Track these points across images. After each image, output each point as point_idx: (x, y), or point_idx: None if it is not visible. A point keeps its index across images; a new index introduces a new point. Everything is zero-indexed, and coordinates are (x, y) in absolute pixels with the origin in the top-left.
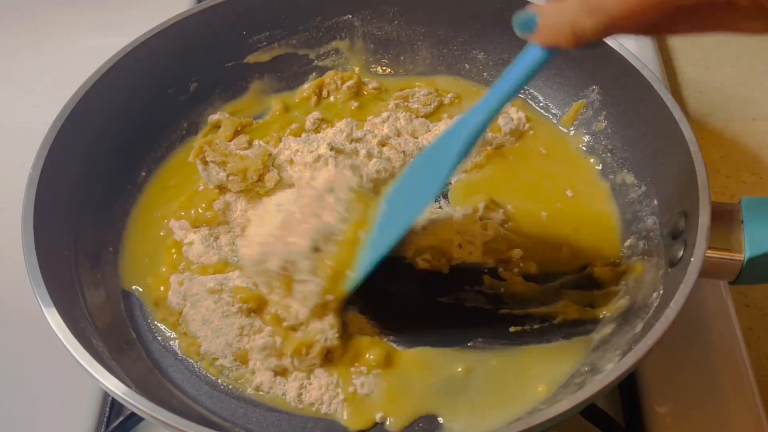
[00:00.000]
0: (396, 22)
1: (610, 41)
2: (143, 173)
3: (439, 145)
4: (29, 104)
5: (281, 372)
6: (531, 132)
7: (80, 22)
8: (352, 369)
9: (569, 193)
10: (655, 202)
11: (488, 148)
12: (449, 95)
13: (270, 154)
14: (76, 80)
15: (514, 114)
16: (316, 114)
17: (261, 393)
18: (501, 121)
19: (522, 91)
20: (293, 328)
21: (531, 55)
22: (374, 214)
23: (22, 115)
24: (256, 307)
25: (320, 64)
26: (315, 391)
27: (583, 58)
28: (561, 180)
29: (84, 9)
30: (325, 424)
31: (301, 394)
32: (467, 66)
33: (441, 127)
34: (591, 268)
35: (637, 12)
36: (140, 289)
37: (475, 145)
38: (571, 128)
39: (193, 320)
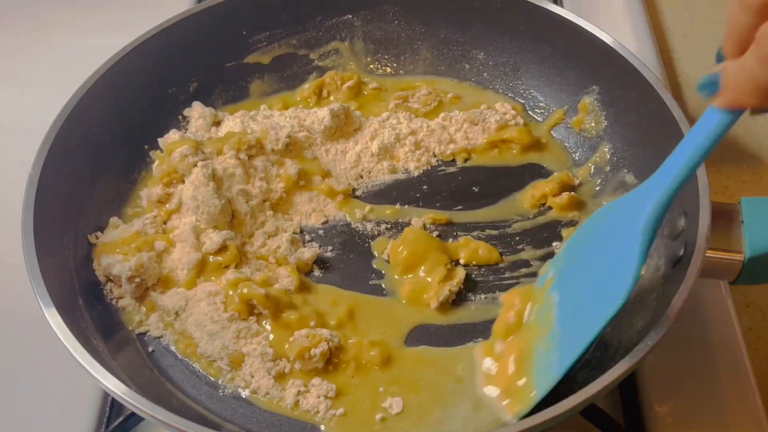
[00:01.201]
0: (396, 22)
1: (609, 41)
2: (143, 173)
3: (616, 224)
4: (29, 104)
5: (279, 377)
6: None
7: (80, 22)
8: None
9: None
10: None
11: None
12: (449, 95)
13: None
14: (76, 80)
15: (500, 107)
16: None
17: (257, 396)
18: (493, 117)
19: (521, 93)
20: (290, 326)
21: (714, 120)
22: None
23: (22, 115)
24: (249, 310)
25: (320, 64)
26: (312, 399)
27: (583, 58)
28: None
29: (84, 9)
30: None
31: (298, 401)
32: (467, 66)
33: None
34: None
35: None
36: None
37: (660, 226)
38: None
39: (188, 322)
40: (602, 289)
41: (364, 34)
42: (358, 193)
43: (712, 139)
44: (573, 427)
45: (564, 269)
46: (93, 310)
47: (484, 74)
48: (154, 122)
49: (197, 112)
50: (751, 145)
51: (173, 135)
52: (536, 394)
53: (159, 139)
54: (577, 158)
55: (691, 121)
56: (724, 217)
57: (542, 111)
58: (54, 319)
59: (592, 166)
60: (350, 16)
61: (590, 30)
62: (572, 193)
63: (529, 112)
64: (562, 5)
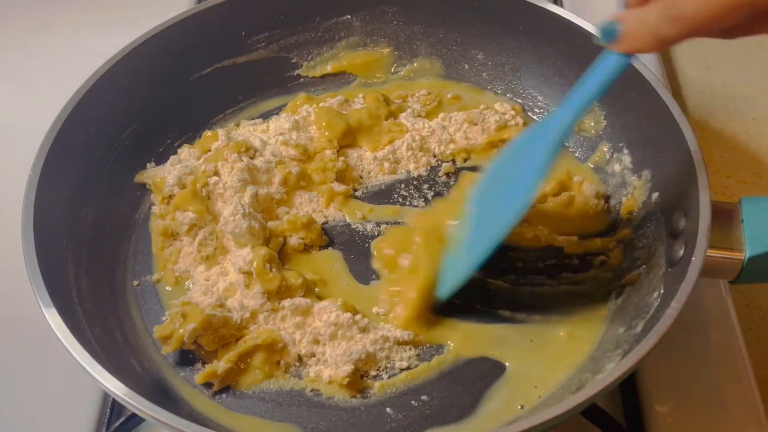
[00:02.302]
0: (395, 23)
1: None
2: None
3: (524, 148)
4: (29, 104)
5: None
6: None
7: (80, 22)
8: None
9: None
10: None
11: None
12: (449, 95)
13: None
14: (76, 80)
15: (499, 108)
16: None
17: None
18: (492, 117)
19: (521, 93)
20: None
21: (611, 62)
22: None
23: (22, 115)
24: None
25: (311, 74)
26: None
27: (583, 58)
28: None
29: (84, 9)
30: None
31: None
32: (466, 66)
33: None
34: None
35: (716, 18)
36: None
37: (561, 147)
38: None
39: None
40: (512, 196)
41: (363, 35)
42: (358, 193)
43: (609, 78)
44: (574, 426)
45: (480, 187)
46: (93, 311)
47: (484, 74)
48: (154, 122)
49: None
50: (751, 145)
51: (157, 170)
52: (443, 288)
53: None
54: (576, 158)
55: (691, 121)
56: (725, 216)
57: (541, 111)
58: (54, 320)
59: (592, 166)
60: (349, 17)
61: (590, 30)
62: (572, 192)
63: (529, 113)
64: (561, 5)
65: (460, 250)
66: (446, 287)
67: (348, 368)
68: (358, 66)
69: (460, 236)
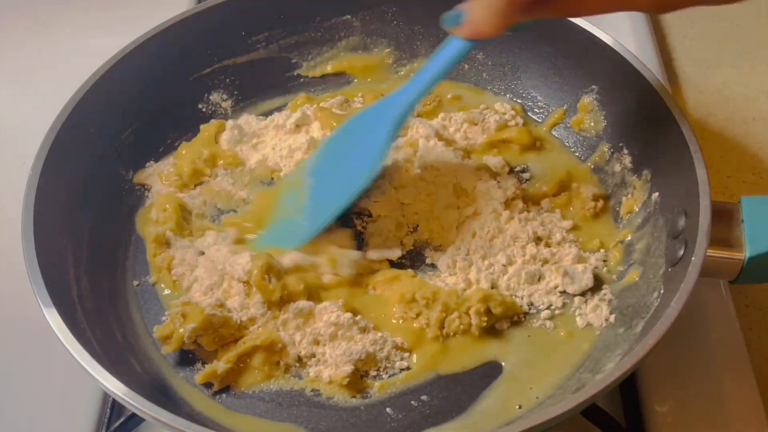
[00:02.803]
0: (395, 23)
1: (609, 41)
2: (143, 174)
3: (365, 123)
4: (29, 104)
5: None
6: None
7: (80, 22)
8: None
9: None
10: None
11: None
12: (448, 95)
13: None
14: (76, 80)
15: (500, 107)
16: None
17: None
18: (492, 117)
19: (521, 93)
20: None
21: (455, 46)
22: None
23: (22, 115)
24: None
25: (311, 75)
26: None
27: (583, 58)
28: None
29: (84, 9)
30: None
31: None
32: (466, 66)
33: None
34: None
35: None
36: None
37: (402, 125)
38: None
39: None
40: (355, 169)
41: (363, 35)
42: None
43: (453, 60)
44: (574, 426)
45: (319, 159)
46: (93, 311)
47: (483, 74)
48: (154, 121)
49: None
50: (751, 145)
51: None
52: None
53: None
54: (576, 157)
55: (691, 121)
56: (725, 216)
57: (541, 111)
58: (54, 320)
59: (592, 166)
60: (349, 17)
61: (590, 30)
62: (572, 192)
63: (529, 113)
64: None
65: (296, 218)
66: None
67: (348, 368)
68: (358, 68)
69: (294, 205)
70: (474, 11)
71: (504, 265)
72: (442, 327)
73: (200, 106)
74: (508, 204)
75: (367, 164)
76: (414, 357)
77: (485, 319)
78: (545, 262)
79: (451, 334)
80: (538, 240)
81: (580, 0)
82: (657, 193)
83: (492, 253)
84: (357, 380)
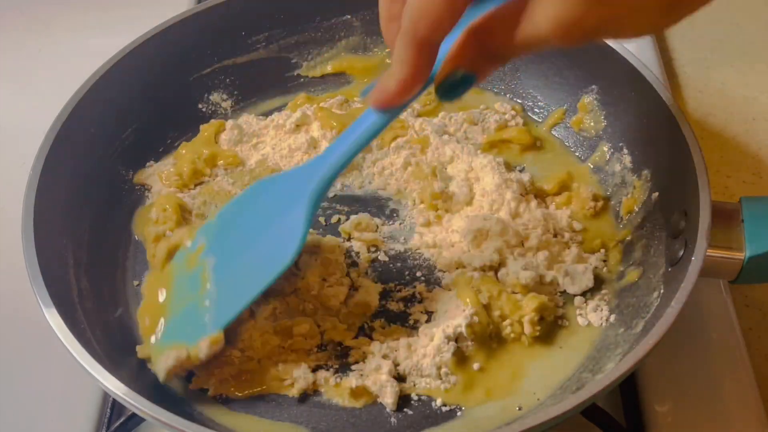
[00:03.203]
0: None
1: (609, 41)
2: (142, 174)
3: (277, 195)
4: (29, 104)
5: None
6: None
7: (80, 22)
8: None
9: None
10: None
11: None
12: None
13: None
14: (76, 80)
15: (500, 107)
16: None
17: None
18: (492, 117)
19: (521, 93)
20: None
21: (371, 119)
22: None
23: (22, 115)
24: None
25: (311, 75)
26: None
27: (583, 58)
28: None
29: (84, 9)
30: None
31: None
32: None
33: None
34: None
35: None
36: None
37: (319, 204)
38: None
39: None
40: (269, 251)
41: (363, 35)
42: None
43: (369, 135)
44: (574, 426)
45: (219, 235)
46: (93, 311)
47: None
48: (154, 122)
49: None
50: (751, 145)
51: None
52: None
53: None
54: (576, 157)
55: (691, 121)
56: (725, 216)
57: (542, 111)
58: (54, 320)
59: (592, 165)
60: (349, 17)
61: None
62: (572, 192)
63: (529, 113)
64: None
65: (199, 305)
66: (169, 340)
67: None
68: (358, 69)
69: (195, 290)
70: (382, 81)
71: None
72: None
73: (200, 106)
74: (522, 199)
75: (284, 244)
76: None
77: (539, 328)
78: (554, 260)
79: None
80: (552, 236)
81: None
82: (657, 193)
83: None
84: (363, 390)
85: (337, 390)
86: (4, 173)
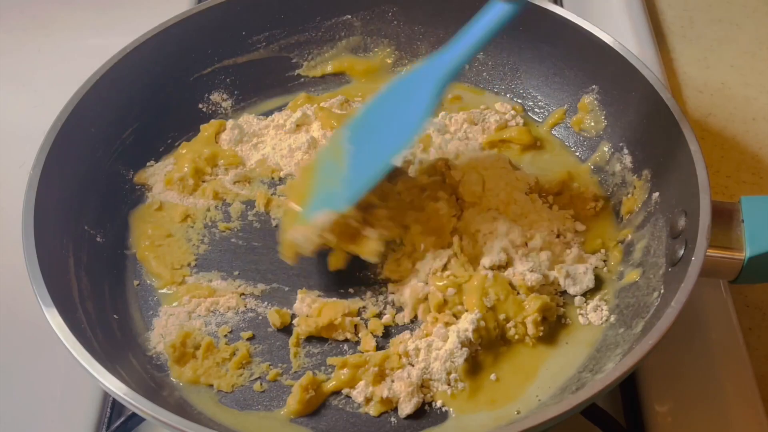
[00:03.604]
0: (395, 23)
1: (609, 41)
2: (142, 173)
3: (407, 87)
4: (29, 104)
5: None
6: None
7: (80, 22)
8: None
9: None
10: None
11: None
12: (449, 95)
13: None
14: (76, 80)
15: (500, 107)
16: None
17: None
18: (492, 117)
19: (521, 93)
20: None
21: (498, 10)
22: (337, 152)
23: (22, 115)
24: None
25: (312, 74)
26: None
27: (582, 58)
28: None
29: (84, 9)
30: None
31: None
32: (466, 66)
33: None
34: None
35: None
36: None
37: (445, 90)
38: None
39: None
40: (394, 134)
41: (364, 35)
42: None
43: (496, 25)
44: (574, 426)
45: (358, 126)
46: (93, 311)
47: (484, 74)
48: (154, 121)
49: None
50: (751, 145)
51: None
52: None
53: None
54: (577, 157)
55: (691, 121)
56: (725, 216)
57: (542, 111)
58: (54, 320)
59: (592, 166)
60: (349, 17)
61: (590, 30)
62: (572, 192)
63: (529, 113)
64: (561, 5)
65: (336, 185)
66: (317, 213)
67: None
68: (358, 71)
69: (335, 172)
70: None
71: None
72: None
73: (200, 106)
74: (527, 198)
75: (409, 124)
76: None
77: (542, 328)
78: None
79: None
80: (557, 236)
81: None
82: (657, 193)
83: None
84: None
85: (367, 402)
86: (4, 173)
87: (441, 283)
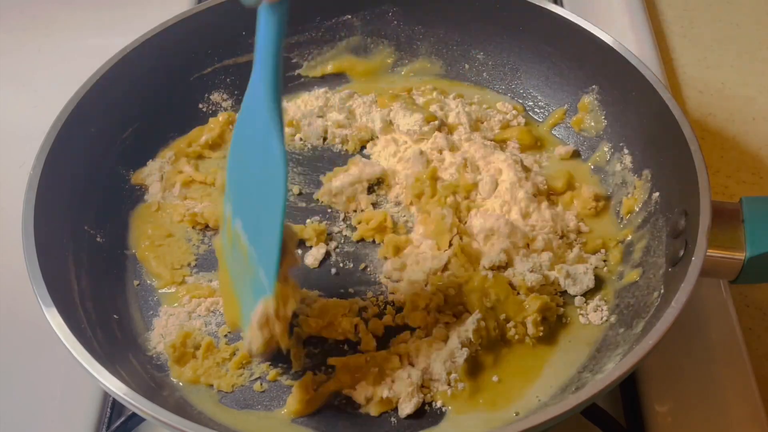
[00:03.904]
0: (395, 23)
1: (609, 41)
2: (143, 172)
3: (248, 124)
4: (29, 104)
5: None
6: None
7: (80, 22)
8: None
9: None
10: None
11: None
12: (450, 95)
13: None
14: (76, 80)
15: (501, 107)
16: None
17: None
18: (495, 117)
19: (521, 93)
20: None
21: (269, 21)
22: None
23: (22, 115)
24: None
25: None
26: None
27: (583, 58)
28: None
29: (84, 9)
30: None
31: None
32: (467, 66)
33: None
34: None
35: None
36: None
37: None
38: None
39: None
40: (265, 186)
41: (364, 35)
42: None
43: (279, 34)
44: (574, 426)
45: (233, 194)
46: (94, 311)
47: (484, 74)
48: (154, 121)
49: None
50: (751, 145)
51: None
52: (245, 309)
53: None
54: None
55: (691, 121)
56: (725, 216)
57: (542, 110)
58: (54, 320)
59: (592, 165)
60: (350, 17)
61: (590, 30)
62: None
63: (529, 112)
64: (561, 5)
65: (250, 270)
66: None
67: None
68: (359, 72)
69: (240, 256)
70: None
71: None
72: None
73: (200, 105)
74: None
75: (272, 166)
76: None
77: (542, 329)
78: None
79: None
80: (559, 237)
81: None
82: (657, 193)
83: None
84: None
85: (367, 402)
86: (4, 173)
87: (441, 283)
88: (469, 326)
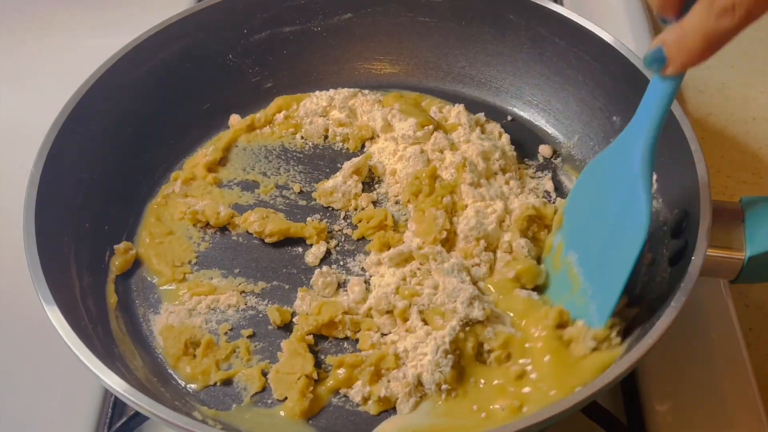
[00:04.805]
0: (396, 22)
1: (610, 40)
2: (143, 172)
3: (606, 171)
4: (29, 104)
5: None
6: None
7: (80, 22)
8: None
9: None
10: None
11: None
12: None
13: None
14: (76, 80)
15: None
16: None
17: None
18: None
19: (520, 94)
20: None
21: (664, 88)
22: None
23: (22, 115)
24: None
25: None
26: None
27: (583, 58)
28: None
29: (84, 9)
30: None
31: None
32: (467, 66)
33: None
34: None
35: None
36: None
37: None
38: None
39: None
40: (619, 234)
41: (364, 35)
42: None
43: (667, 105)
44: (575, 424)
45: (571, 229)
46: (95, 309)
47: (484, 74)
48: (154, 121)
49: None
50: (751, 145)
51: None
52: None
53: None
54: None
55: (691, 121)
56: (725, 215)
57: (542, 110)
58: (56, 318)
59: None
60: (350, 16)
61: (591, 29)
62: None
63: (529, 112)
64: (562, 4)
65: (583, 301)
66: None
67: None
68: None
69: (573, 285)
70: (671, 44)
71: None
72: None
73: (201, 105)
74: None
75: (633, 220)
76: None
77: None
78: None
79: None
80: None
81: None
82: (658, 193)
83: None
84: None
85: (365, 401)
86: (4, 173)
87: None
88: (446, 336)
